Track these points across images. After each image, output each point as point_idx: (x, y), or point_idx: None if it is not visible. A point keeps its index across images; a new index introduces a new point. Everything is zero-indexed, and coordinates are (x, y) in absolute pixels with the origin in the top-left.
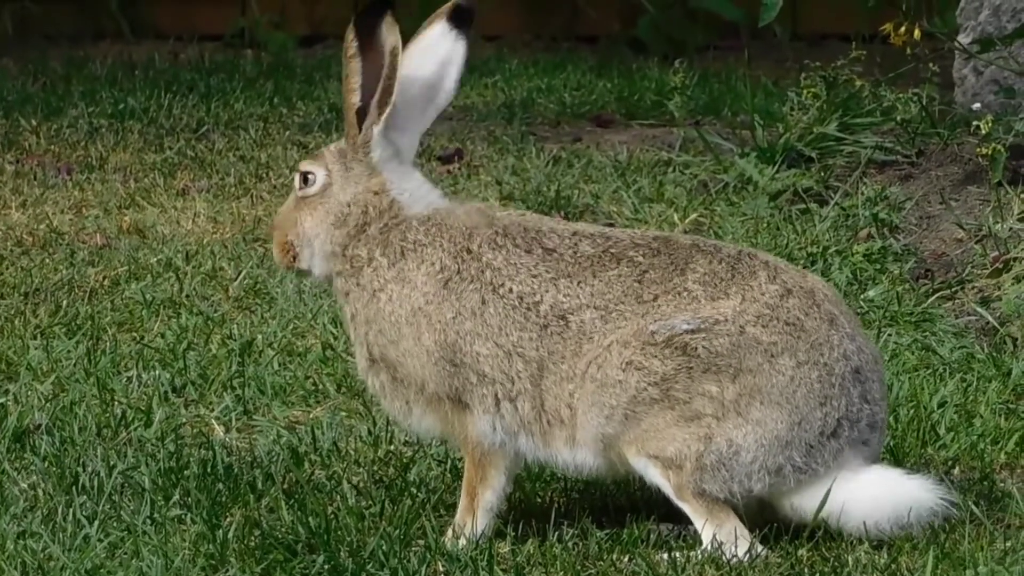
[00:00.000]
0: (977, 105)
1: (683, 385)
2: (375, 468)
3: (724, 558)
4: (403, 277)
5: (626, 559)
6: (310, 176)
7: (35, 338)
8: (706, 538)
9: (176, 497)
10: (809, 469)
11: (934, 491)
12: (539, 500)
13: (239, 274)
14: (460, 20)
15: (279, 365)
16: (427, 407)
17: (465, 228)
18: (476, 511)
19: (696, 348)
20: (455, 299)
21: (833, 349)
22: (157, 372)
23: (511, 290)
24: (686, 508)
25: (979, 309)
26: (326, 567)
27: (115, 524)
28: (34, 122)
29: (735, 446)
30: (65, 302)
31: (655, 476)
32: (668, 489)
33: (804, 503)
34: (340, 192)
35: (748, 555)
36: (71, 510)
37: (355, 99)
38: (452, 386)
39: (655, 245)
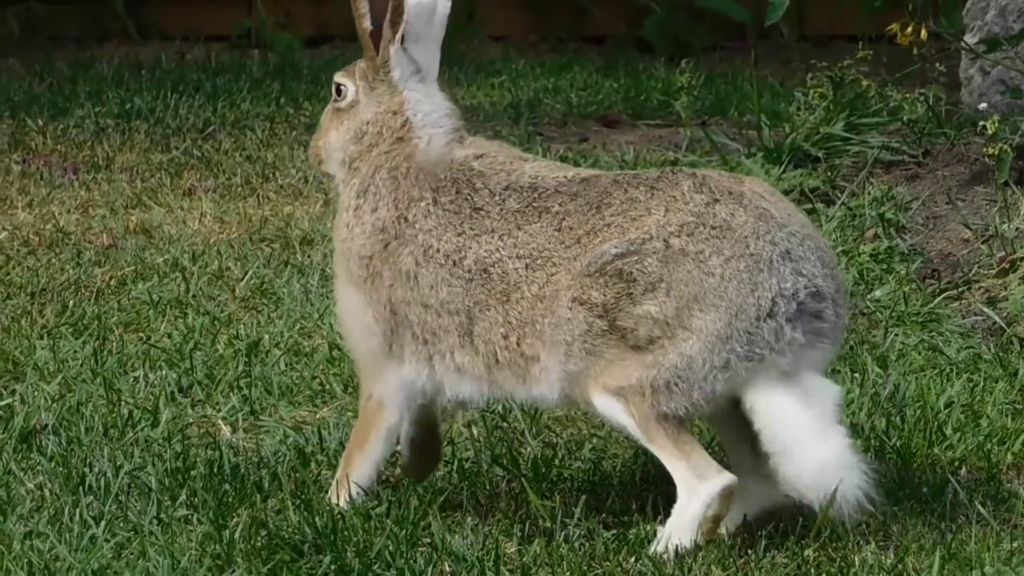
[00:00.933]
0: (983, 105)
1: (626, 312)
2: (381, 468)
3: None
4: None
5: (632, 560)
6: (342, 88)
7: (41, 338)
8: (677, 476)
9: (183, 497)
10: (754, 355)
11: (855, 468)
12: (545, 501)
13: (246, 274)
14: None
15: (286, 365)
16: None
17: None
18: (346, 483)
19: (630, 272)
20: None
21: (760, 238)
22: (164, 372)
23: (439, 250)
24: (653, 448)
25: (986, 309)
26: (332, 567)
27: (121, 524)
28: (40, 122)
29: (686, 358)
30: (72, 302)
31: (618, 414)
32: (633, 427)
33: (763, 398)
34: (364, 109)
35: (720, 489)
36: (77, 510)
37: (366, 24)
38: (386, 338)
39: (575, 189)
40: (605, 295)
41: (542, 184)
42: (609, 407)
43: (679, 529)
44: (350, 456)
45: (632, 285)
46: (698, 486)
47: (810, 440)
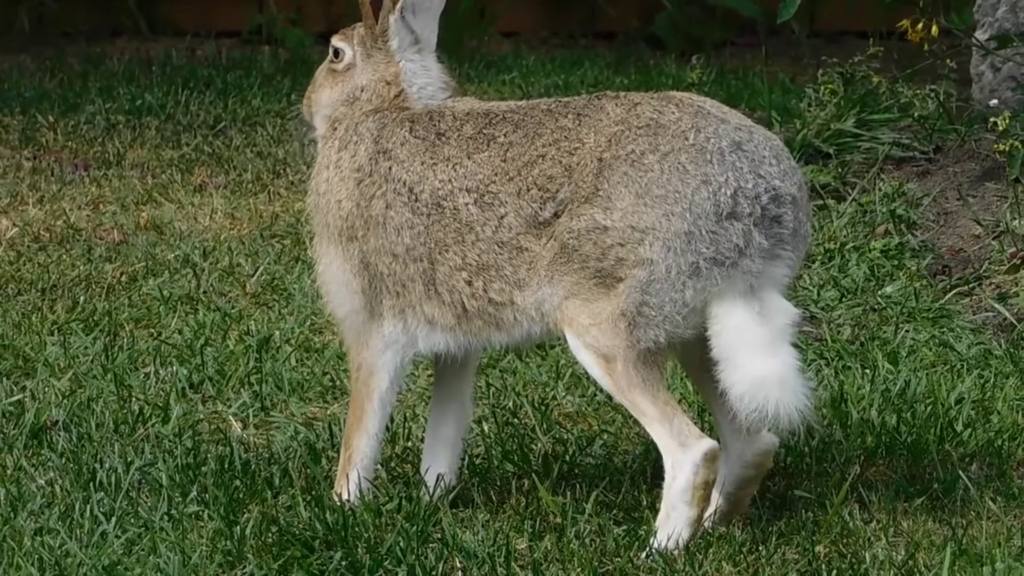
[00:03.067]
0: (994, 101)
1: (572, 232)
2: (392, 464)
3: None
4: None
5: (643, 555)
6: (340, 51)
7: (52, 334)
8: (660, 444)
9: (193, 493)
10: (722, 257)
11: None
12: (556, 497)
13: (256, 270)
14: None
15: (296, 361)
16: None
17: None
18: (350, 466)
19: (567, 200)
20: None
21: (700, 131)
22: (174, 368)
23: (403, 183)
24: (634, 411)
25: (996, 305)
26: (343, 563)
27: (132, 520)
28: (51, 118)
29: (648, 263)
30: (82, 298)
31: (598, 373)
32: (612, 387)
33: (723, 308)
34: (359, 75)
35: (703, 454)
36: (88, 506)
37: None
38: (365, 295)
39: (517, 118)
40: (557, 239)
41: (495, 110)
42: (588, 362)
43: (674, 506)
44: (348, 437)
45: (566, 208)
46: (681, 456)
47: (756, 352)
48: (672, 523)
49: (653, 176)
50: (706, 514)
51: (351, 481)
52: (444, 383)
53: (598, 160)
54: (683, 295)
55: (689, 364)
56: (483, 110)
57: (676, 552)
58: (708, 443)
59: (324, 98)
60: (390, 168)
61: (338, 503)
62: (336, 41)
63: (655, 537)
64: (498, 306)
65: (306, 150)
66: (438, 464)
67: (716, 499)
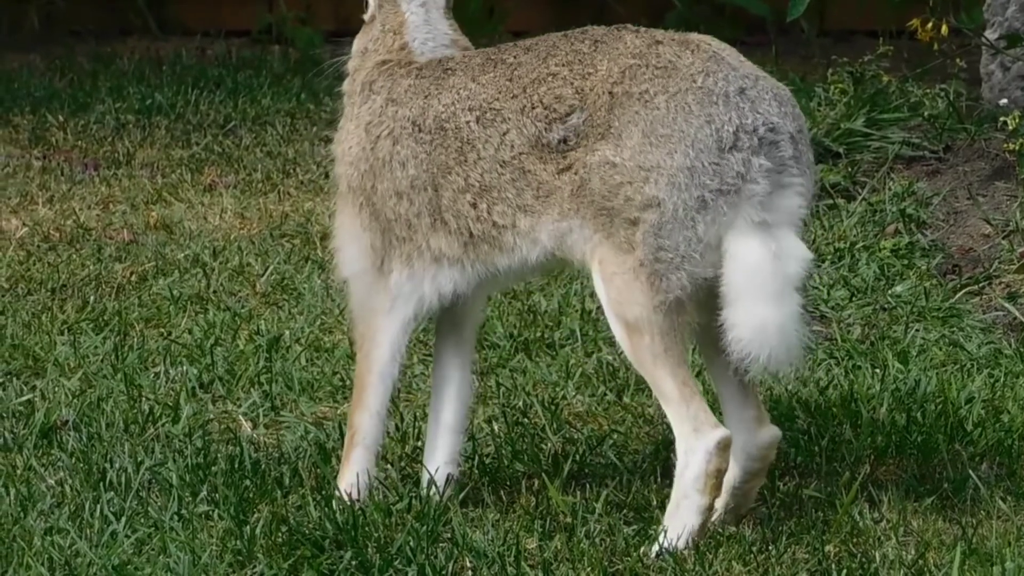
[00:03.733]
0: (1004, 101)
1: (584, 164)
2: (402, 464)
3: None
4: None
5: (653, 550)
6: (366, 3)
7: (62, 334)
8: (676, 427)
9: (203, 493)
10: (726, 186)
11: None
12: (566, 496)
13: (266, 270)
14: None
15: (306, 361)
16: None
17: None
18: (352, 447)
19: (582, 130)
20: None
21: (709, 76)
22: (184, 368)
23: (407, 118)
24: (654, 384)
25: (1007, 304)
26: (353, 563)
27: (142, 520)
28: (61, 118)
29: (656, 202)
30: (92, 298)
31: (620, 335)
32: (630, 352)
33: (737, 243)
34: (375, 26)
35: (716, 443)
36: (98, 506)
37: None
38: (375, 250)
39: (529, 43)
40: (559, 163)
41: (507, 43)
42: (614, 326)
43: (686, 494)
44: (351, 416)
45: (583, 140)
46: (694, 443)
47: (763, 299)
48: (683, 512)
49: (659, 115)
50: (717, 504)
51: (352, 461)
52: (442, 361)
53: (609, 93)
54: (695, 231)
55: (706, 347)
56: (495, 47)
57: (686, 547)
58: (722, 431)
59: (353, 49)
60: (396, 111)
61: (342, 489)
62: None
63: (664, 528)
64: (501, 229)
65: (316, 149)
66: (438, 454)
67: (725, 495)
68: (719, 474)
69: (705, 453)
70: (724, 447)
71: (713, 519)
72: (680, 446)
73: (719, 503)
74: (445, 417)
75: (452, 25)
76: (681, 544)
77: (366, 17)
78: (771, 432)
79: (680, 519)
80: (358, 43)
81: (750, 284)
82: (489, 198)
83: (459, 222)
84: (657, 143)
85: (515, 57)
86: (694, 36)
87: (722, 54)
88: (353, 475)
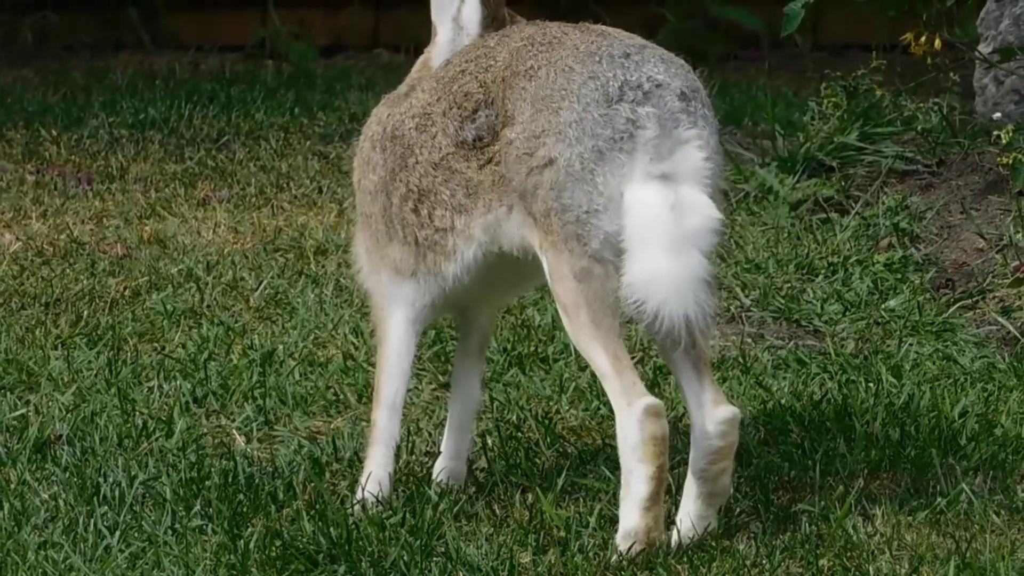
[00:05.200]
0: (998, 115)
1: (492, 151)
2: (396, 478)
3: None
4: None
5: (647, 572)
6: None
7: (56, 348)
8: (612, 399)
9: (197, 507)
10: (618, 133)
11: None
12: (560, 510)
13: (260, 284)
14: None
15: (300, 375)
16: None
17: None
18: (371, 443)
19: (488, 119)
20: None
21: (593, 43)
22: (178, 382)
23: (384, 127)
24: (590, 359)
25: (1000, 319)
26: None
27: (136, 534)
28: (54, 132)
29: (550, 161)
30: (86, 312)
31: (563, 318)
32: (569, 330)
33: (636, 191)
34: (431, 49)
35: (644, 408)
36: (92, 520)
37: None
38: (368, 252)
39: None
40: (480, 159)
41: (469, 45)
42: (557, 301)
43: (630, 468)
44: (372, 415)
45: (495, 134)
46: (627, 413)
47: (659, 249)
48: (635, 488)
49: (542, 82)
50: (690, 493)
51: (370, 458)
52: (455, 364)
53: (502, 80)
54: (595, 184)
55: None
56: (485, 44)
57: (647, 527)
58: (650, 399)
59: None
60: (387, 115)
61: (364, 486)
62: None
63: (622, 514)
64: (442, 233)
65: (309, 163)
66: (445, 451)
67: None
68: (656, 441)
69: (636, 422)
70: (654, 413)
71: (691, 513)
72: (618, 419)
73: (690, 492)
74: (452, 418)
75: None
76: (640, 522)
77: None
78: (729, 410)
79: (632, 495)
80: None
81: (646, 234)
82: (428, 202)
83: (405, 231)
84: (543, 107)
85: (451, 61)
86: (597, 26)
87: (612, 31)
88: (372, 470)
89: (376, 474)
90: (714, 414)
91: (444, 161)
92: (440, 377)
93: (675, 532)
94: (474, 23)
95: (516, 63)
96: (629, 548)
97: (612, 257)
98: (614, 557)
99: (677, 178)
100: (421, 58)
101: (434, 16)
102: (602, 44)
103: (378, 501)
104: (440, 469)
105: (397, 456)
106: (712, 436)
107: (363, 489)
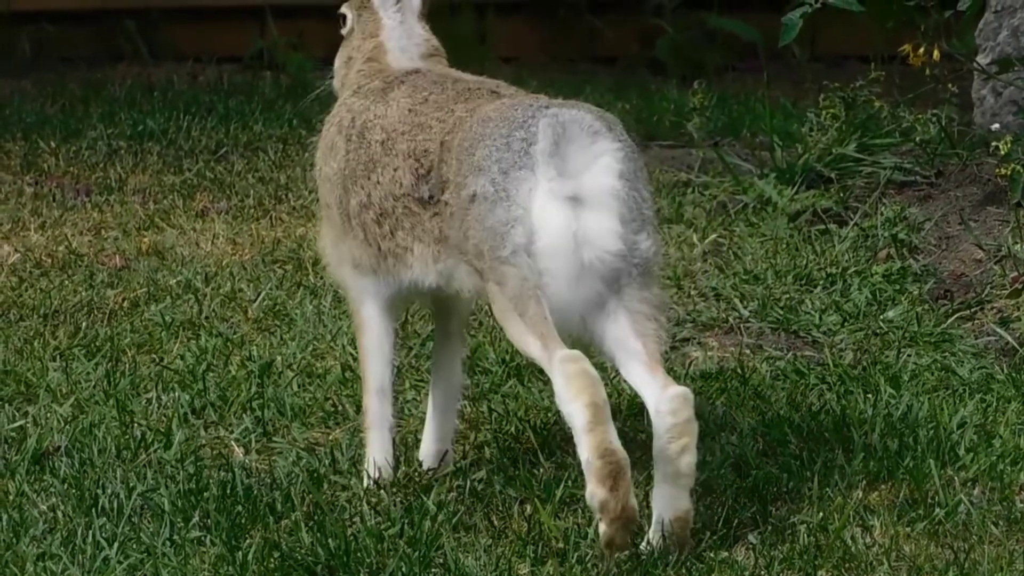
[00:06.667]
0: (996, 126)
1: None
2: (394, 489)
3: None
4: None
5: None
6: (344, 17)
7: (54, 360)
8: (541, 363)
9: (195, 519)
10: (515, 154)
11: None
12: (558, 521)
13: (258, 296)
14: None
15: (298, 387)
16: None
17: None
18: (366, 431)
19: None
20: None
21: (524, 100)
22: (176, 394)
23: (349, 111)
24: (514, 340)
25: (998, 330)
26: None
27: (134, 546)
28: (53, 144)
29: (476, 193)
30: (84, 324)
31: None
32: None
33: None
34: (354, 37)
35: (561, 356)
36: (90, 532)
37: None
38: (334, 246)
39: (450, 83)
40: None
41: (450, 76)
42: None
43: (569, 412)
44: (363, 401)
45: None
46: (552, 370)
47: (562, 279)
48: (576, 421)
49: (464, 134)
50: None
51: (369, 444)
52: (435, 351)
53: (440, 144)
54: (509, 201)
55: (597, 342)
56: (441, 73)
57: (608, 459)
58: (566, 350)
59: (336, 67)
60: (352, 103)
61: (367, 473)
62: (342, 9)
63: (579, 451)
64: (404, 249)
65: (308, 175)
66: (429, 432)
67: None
68: (580, 375)
69: (559, 371)
70: (571, 358)
71: (663, 496)
72: (553, 379)
73: (658, 474)
74: (434, 401)
75: (425, 28)
76: (590, 442)
77: (344, 31)
78: (679, 389)
79: (576, 428)
80: (340, 57)
81: (550, 264)
82: (390, 222)
83: (367, 234)
84: (464, 155)
85: (429, 91)
86: (555, 105)
87: (561, 112)
88: (371, 456)
89: (376, 458)
90: (666, 393)
91: (404, 198)
92: None
93: (653, 515)
94: (415, 6)
95: (455, 132)
96: (597, 474)
97: (527, 258)
98: (609, 565)
99: (584, 202)
100: (348, 50)
101: (376, 3)
102: (531, 99)
103: (376, 484)
104: (426, 454)
105: (395, 444)
106: (665, 413)
107: (366, 475)
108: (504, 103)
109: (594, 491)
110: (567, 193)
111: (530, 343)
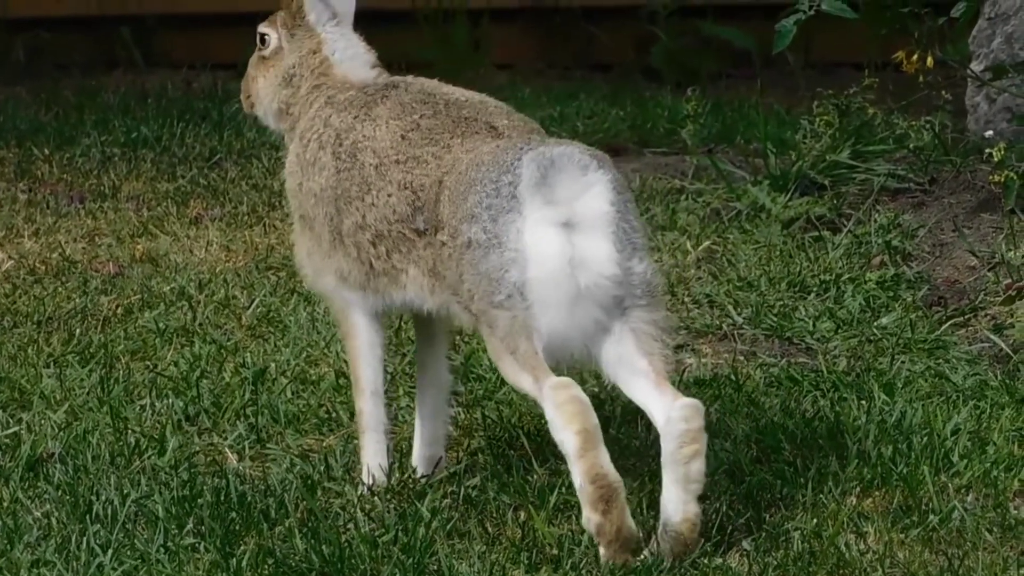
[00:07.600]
0: (990, 132)
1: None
2: (388, 496)
3: None
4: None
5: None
6: (266, 37)
7: (48, 366)
8: (531, 395)
9: (190, 526)
10: (502, 194)
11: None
12: (552, 528)
13: (252, 302)
14: None
15: (292, 393)
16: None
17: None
18: (361, 433)
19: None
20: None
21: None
22: (170, 400)
23: (333, 126)
24: (509, 379)
25: (992, 336)
26: None
27: (129, 553)
28: (47, 151)
29: (470, 240)
30: (78, 330)
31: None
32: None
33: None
34: (288, 55)
35: (550, 384)
36: (85, 539)
37: None
38: (311, 256)
39: (454, 98)
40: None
41: (439, 92)
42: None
43: (561, 439)
44: (355, 404)
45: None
46: (543, 401)
47: (557, 307)
48: (568, 448)
49: (459, 177)
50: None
51: (363, 447)
52: (419, 353)
53: (438, 182)
54: (501, 244)
55: (601, 366)
56: (428, 89)
57: (600, 484)
58: (556, 378)
59: (261, 87)
60: (330, 116)
61: (362, 476)
62: (261, 28)
63: (574, 479)
64: (398, 271)
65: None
66: (420, 439)
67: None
68: (571, 401)
69: (550, 399)
70: (562, 385)
71: (671, 499)
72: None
73: (667, 479)
74: (423, 405)
75: (361, 39)
76: (582, 466)
77: (267, 52)
78: (691, 400)
79: (568, 455)
80: (269, 78)
81: (543, 293)
82: (386, 243)
83: (361, 254)
84: (457, 201)
85: (423, 117)
86: (551, 144)
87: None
88: (366, 461)
89: (370, 464)
90: (677, 402)
91: (399, 225)
92: None
93: (661, 518)
94: (350, 17)
95: (451, 173)
96: (590, 499)
97: (520, 299)
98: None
99: (577, 227)
100: (279, 70)
101: (310, 16)
102: (523, 141)
103: (370, 491)
104: (418, 459)
105: (390, 449)
106: (677, 420)
107: (361, 481)
108: (500, 145)
109: (589, 516)
110: (559, 219)
111: (522, 379)
